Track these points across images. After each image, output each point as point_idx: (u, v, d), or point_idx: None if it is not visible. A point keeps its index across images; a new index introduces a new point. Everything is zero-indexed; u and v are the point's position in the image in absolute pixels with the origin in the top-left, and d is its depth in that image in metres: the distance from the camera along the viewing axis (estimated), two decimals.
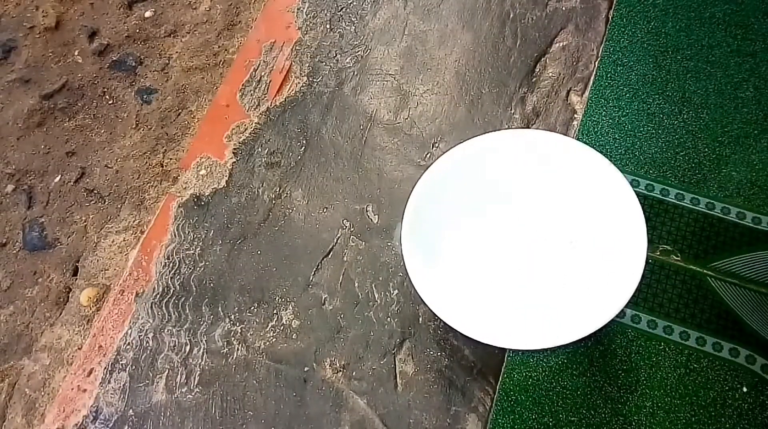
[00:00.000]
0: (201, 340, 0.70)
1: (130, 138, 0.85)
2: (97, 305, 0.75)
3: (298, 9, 0.88)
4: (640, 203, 0.64)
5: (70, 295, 0.77)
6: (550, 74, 0.80)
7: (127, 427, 0.67)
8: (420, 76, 0.82)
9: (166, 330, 0.71)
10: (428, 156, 0.77)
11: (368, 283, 0.71)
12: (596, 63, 0.80)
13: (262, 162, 0.78)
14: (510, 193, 0.72)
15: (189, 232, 0.75)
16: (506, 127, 0.78)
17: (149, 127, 0.85)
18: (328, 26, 0.86)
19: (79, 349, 0.73)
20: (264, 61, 0.84)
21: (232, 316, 0.71)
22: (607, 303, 0.61)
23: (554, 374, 0.66)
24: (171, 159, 0.83)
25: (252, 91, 0.82)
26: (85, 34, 0.93)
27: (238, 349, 0.69)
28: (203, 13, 0.93)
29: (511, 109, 0.79)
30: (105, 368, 0.70)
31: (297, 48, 0.85)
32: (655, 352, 0.66)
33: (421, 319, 0.69)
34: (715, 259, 0.69)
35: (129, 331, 0.71)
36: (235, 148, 0.79)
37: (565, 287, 0.67)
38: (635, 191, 0.65)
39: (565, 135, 0.73)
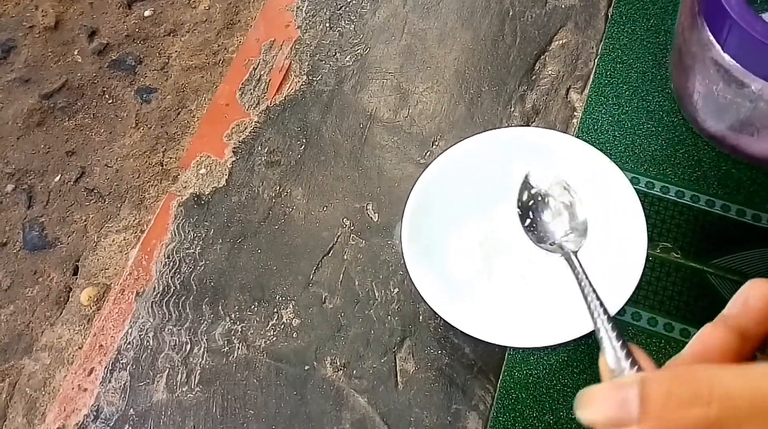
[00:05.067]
0: (201, 339, 0.70)
1: (129, 137, 0.85)
2: (98, 304, 0.76)
3: (297, 8, 0.88)
4: (640, 201, 0.64)
5: (70, 294, 0.78)
6: (550, 72, 0.80)
7: (128, 426, 0.67)
8: (419, 75, 0.82)
9: (166, 329, 0.71)
10: (428, 154, 0.77)
11: (368, 282, 0.71)
12: (596, 61, 0.80)
13: (262, 161, 0.78)
14: (510, 191, 0.71)
15: (189, 231, 0.76)
16: (506, 125, 0.78)
17: (149, 126, 0.85)
18: (327, 25, 0.86)
19: (79, 348, 0.73)
20: (263, 60, 0.84)
21: (233, 315, 0.71)
22: (607, 301, 0.61)
23: (555, 372, 0.66)
24: (171, 158, 0.83)
25: (252, 90, 0.82)
26: (84, 34, 0.93)
27: (238, 348, 0.70)
28: (202, 13, 0.93)
29: (510, 107, 0.79)
30: (106, 367, 0.70)
31: (296, 47, 0.85)
32: (656, 349, 0.66)
33: (421, 317, 0.69)
34: (715, 257, 0.69)
35: (129, 331, 0.71)
36: (234, 147, 0.79)
37: (566, 285, 0.67)
38: (635, 189, 0.65)
39: (565, 133, 0.73)
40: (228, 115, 0.81)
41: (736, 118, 0.66)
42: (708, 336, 0.36)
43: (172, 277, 0.73)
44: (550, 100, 0.79)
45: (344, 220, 0.75)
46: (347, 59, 0.84)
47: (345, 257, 0.73)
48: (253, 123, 0.81)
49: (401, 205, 0.68)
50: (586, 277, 0.55)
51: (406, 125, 0.79)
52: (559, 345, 0.66)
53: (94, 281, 0.76)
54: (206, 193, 0.77)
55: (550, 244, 0.62)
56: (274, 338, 0.70)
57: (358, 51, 0.84)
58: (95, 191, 0.81)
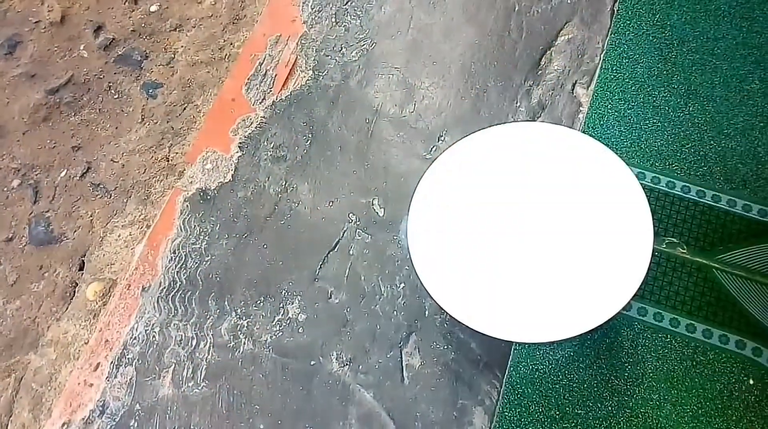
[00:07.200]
0: (207, 334, 0.70)
1: (135, 132, 0.85)
2: (104, 300, 0.76)
3: (303, 3, 0.88)
4: (646, 196, 0.64)
5: (76, 289, 0.78)
6: (556, 67, 0.80)
7: (133, 421, 0.68)
8: (425, 70, 0.82)
9: (172, 324, 0.71)
10: (434, 149, 0.77)
11: (374, 277, 0.71)
12: (602, 56, 0.80)
13: (268, 156, 0.78)
14: (515, 186, 0.71)
15: (195, 226, 0.76)
16: (512, 120, 0.78)
17: (155, 121, 0.85)
18: (333, 20, 0.86)
19: (85, 343, 0.73)
20: (269, 55, 0.84)
21: (239, 310, 0.71)
22: (613, 296, 0.61)
23: (561, 367, 0.66)
24: (177, 153, 0.83)
25: (257, 85, 0.82)
26: (90, 29, 0.93)
27: (244, 343, 0.70)
28: (208, 7, 0.92)
29: (516, 102, 0.79)
30: (111, 362, 0.70)
31: (302, 42, 0.85)
32: (661, 344, 0.66)
33: (427, 312, 0.69)
34: (721, 252, 0.69)
35: (135, 326, 0.72)
36: (240, 142, 0.79)
37: (571, 280, 0.67)
38: (641, 184, 0.65)
39: (571, 128, 0.73)
40: (234, 110, 0.81)
41: None
42: None
43: (177, 272, 0.74)
44: (556, 95, 0.79)
45: (350, 215, 0.75)
46: (353, 54, 0.84)
47: (351, 252, 0.73)
48: (259, 118, 0.81)
49: (407, 200, 0.68)
50: None
51: (412, 120, 0.79)
52: (565, 340, 0.66)
53: (100, 276, 0.76)
54: (212, 188, 0.77)
55: None
56: (280, 333, 0.70)
57: (364, 46, 0.84)
58: (101, 186, 0.81)
